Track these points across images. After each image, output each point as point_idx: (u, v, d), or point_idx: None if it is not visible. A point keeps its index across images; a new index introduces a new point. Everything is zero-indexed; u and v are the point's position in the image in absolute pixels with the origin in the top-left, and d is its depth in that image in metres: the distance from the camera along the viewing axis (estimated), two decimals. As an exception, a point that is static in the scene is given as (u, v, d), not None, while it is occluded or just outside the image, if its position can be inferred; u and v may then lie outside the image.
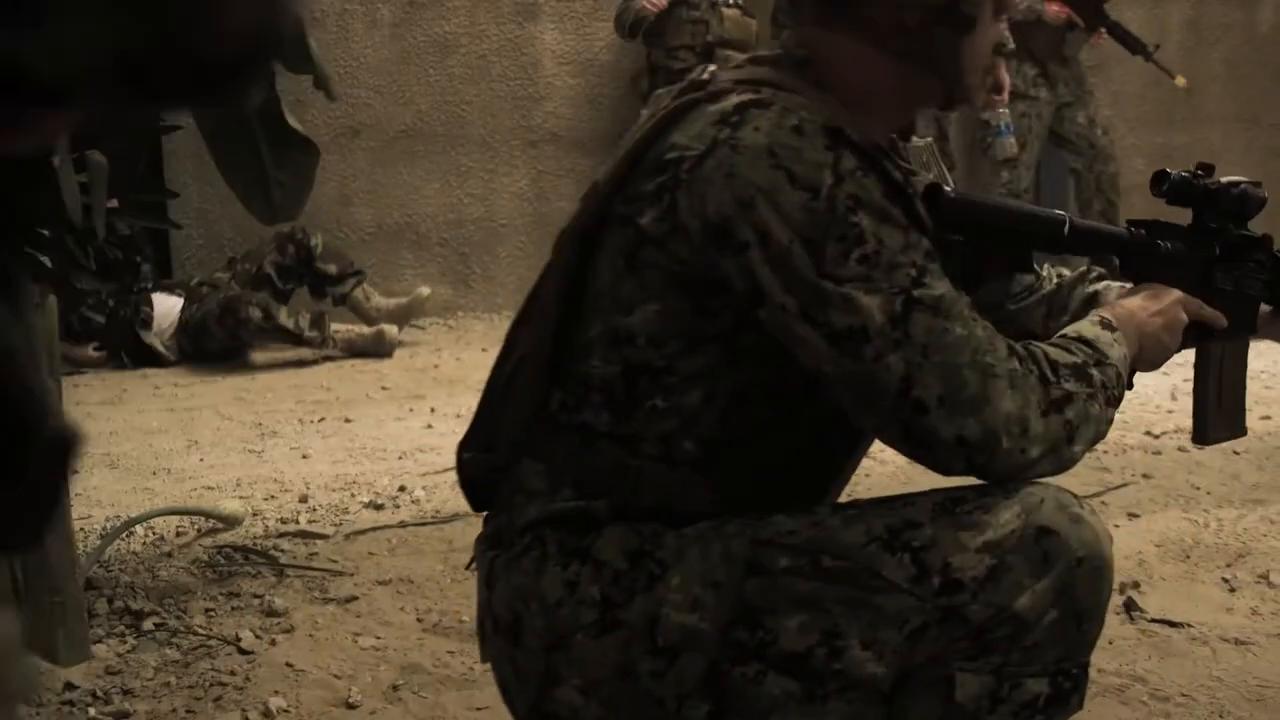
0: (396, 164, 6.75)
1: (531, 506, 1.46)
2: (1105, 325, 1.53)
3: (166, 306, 5.78)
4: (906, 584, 1.35)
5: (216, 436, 4.41)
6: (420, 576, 2.91)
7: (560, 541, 1.43)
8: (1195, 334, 1.69)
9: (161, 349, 5.70)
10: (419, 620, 2.67)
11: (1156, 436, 4.06)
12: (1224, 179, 1.70)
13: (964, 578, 1.35)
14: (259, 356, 5.74)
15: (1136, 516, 3.28)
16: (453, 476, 1.69)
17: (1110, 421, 1.44)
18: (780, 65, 1.47)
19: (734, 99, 1.39)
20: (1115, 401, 1.45)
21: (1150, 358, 1.59)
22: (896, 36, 1.44)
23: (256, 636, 2.57)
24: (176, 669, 2.42)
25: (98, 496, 3.64)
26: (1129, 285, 1.72)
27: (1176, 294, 1.64)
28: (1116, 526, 3.16)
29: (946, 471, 1.37)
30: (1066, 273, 1.86)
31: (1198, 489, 3.52)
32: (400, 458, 4.03)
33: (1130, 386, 1.54)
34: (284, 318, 5.65)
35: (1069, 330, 1.51)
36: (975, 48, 1.47)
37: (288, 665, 2.43)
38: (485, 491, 1.55)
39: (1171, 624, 2.60)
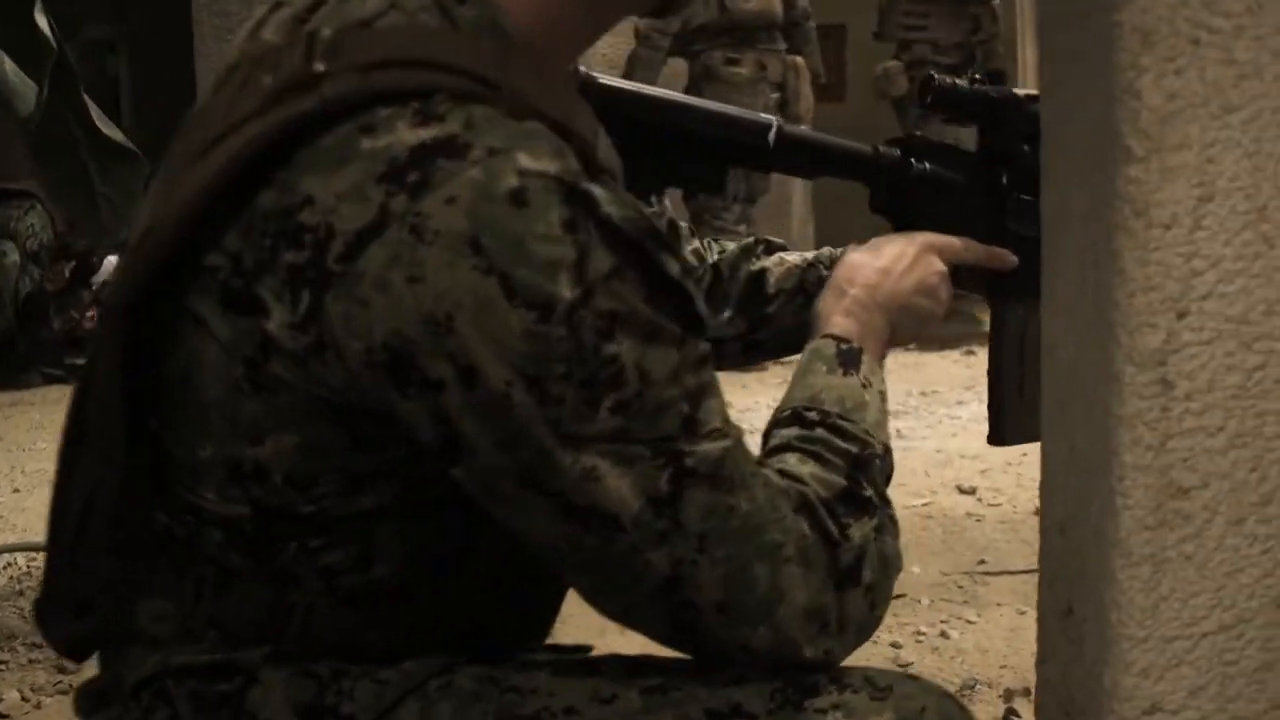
0: None
1: (154, 658, 1.03)
2: (842, 356, 1.14)
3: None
4: None
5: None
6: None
7: (194, 693, 1.01)
8: (975, 284, 1.34)
9: None
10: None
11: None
12: (1019, 89, 1.36)
13: None
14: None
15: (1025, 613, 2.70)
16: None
17: (897, 541, 1.07)
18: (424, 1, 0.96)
19: (402, 130, 0.89)
20: (887, 482, 1.09)
21: (909, 332, 1.24)
22: None
23: (23, 698, 2.37)
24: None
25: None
26: (827, 253, 1.36)
27: (921, 238, 1.26)
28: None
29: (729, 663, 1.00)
30: (730, 246, 1.42)
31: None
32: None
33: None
34: None
35: (802, 397, 1.10)
36: None
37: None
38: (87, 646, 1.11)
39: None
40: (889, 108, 6.82)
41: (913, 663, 2.40)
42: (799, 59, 6.20)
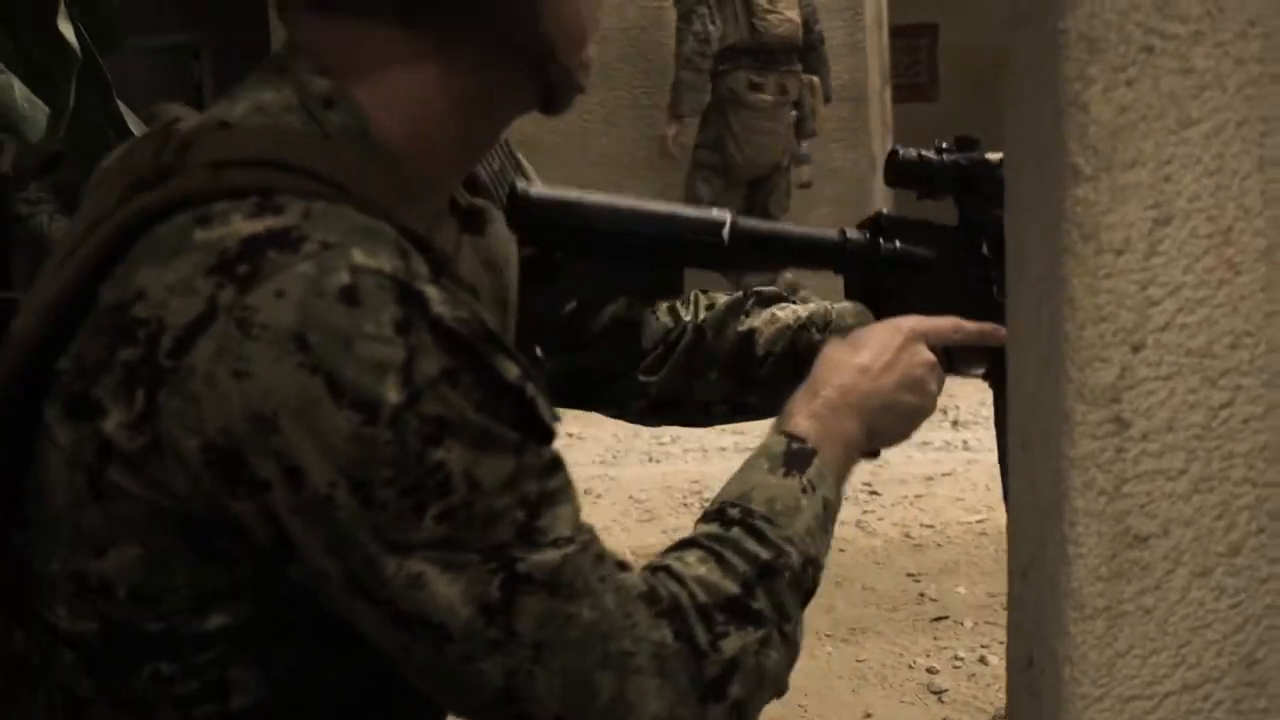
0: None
1: None
2: (790, 456, 1.07)
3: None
4: None
5: None
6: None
7: None
8: (973, 364, 1.26)
9: None
10: None
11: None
12: (991, 154, 1.25)
13: None
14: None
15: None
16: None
17: (793, 661, 1.01)
18: (291, 103, 0.95)
19: (237, 222, 0.87)
20: (803, 604, 1.03)
21: (894, 431, 1.16)
22: (438, 7, 0.94)
23: None
24: None
25: None
26: (833, 310, 1.30)
27: (906, 326, 1.17)
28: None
29: None
30: (720, 299, 1.36)
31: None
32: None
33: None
34: None
35: (733, 494, 1.05)
36: (563, 6, 0.99)
37: None
38: None
39: None
40: (982, 106, 6.68)
41: (947, 689, 2.32)
42: (814, 78, 6.27)
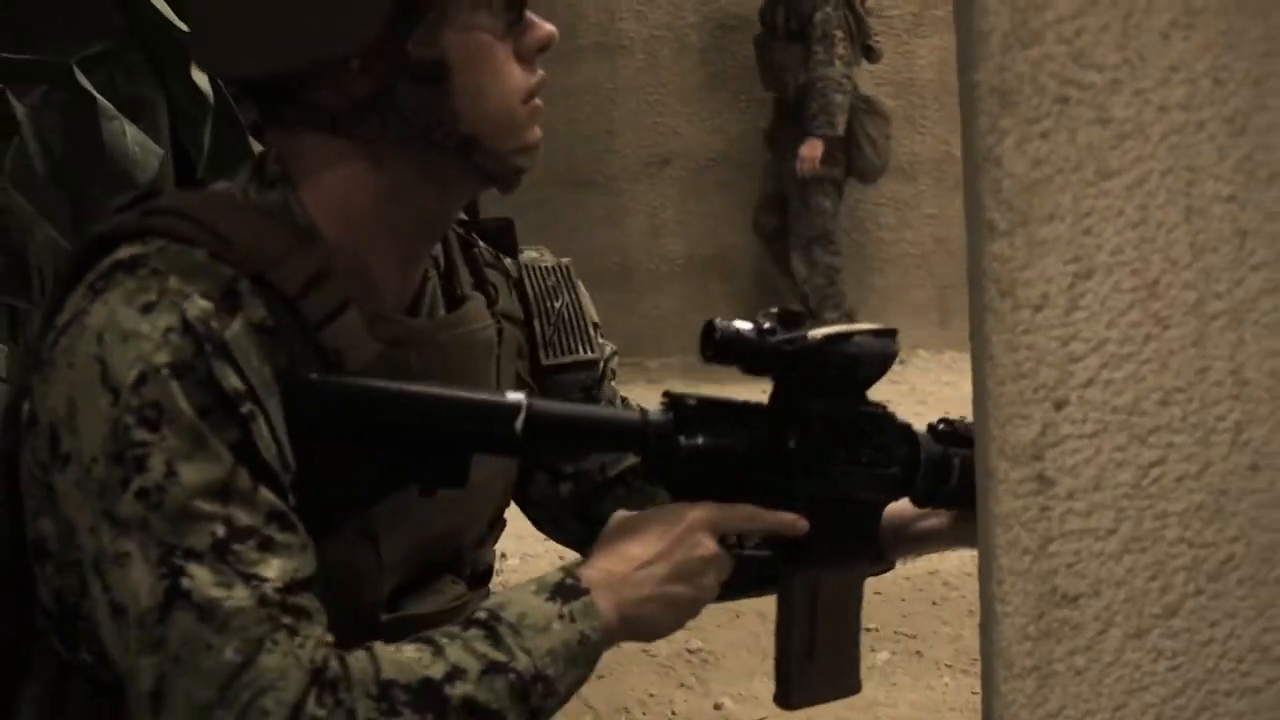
0: (708, 193, 6.70)
1: None
2: (561, 587, 1.08)
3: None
4: None
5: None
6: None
7: None
8: (764, 546, 1.19)
9: None
10: None
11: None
12: (826, 330, 1.17)
13: None
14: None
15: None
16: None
17: None
18: (249, 182, 1.10)
19: (122, 250, 1.03)
20: (532, 714, 1.04)
21: (659, 623, 1.13)
22: (361, 117, 1.07)
23: None
24: None
25: None
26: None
27: (691, 516, 1.13)
28: None
29: None
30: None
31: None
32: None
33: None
34: None
35: (491, 602, 1.07)
36: (479, 102, 1.08)
37: None
38: None
39: None
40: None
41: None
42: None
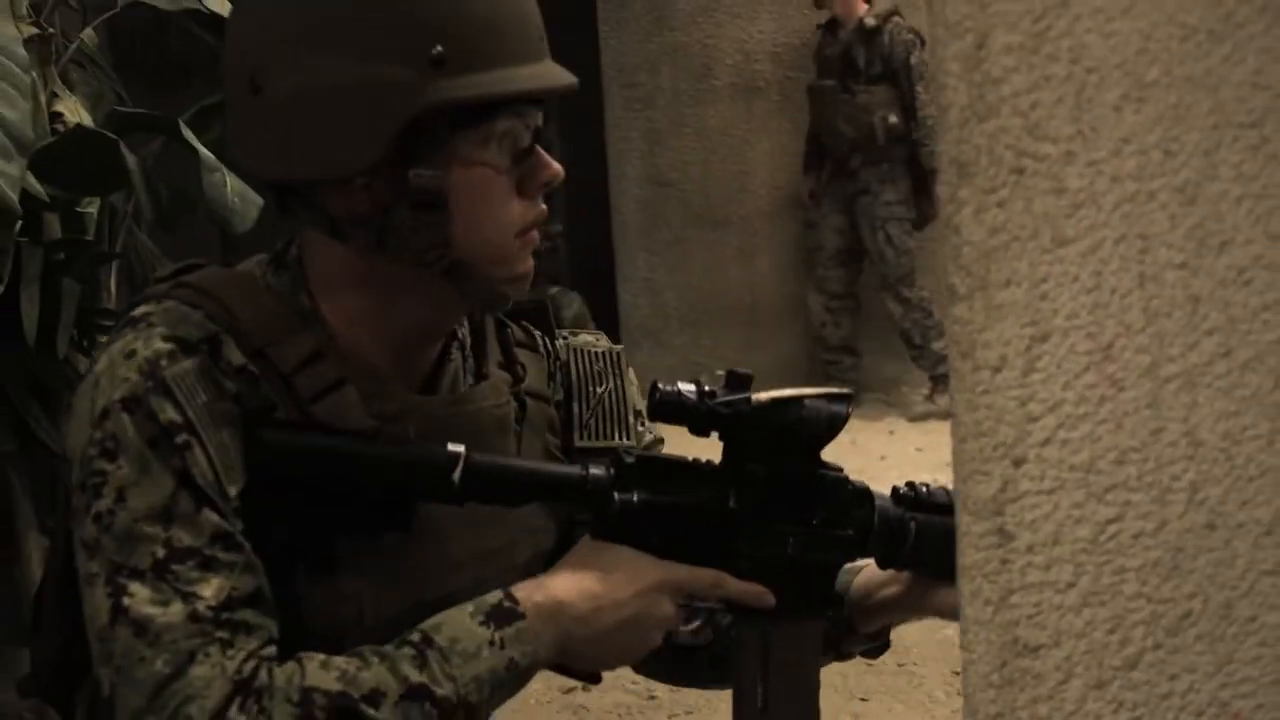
0: None
1: None
2: (496, 610, 1.13)
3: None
4: None
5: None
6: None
7: None
8: (705, 614, 1.24)
9: None
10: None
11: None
12: (773, 394, 1.20)
13: None
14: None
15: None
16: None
17: None
18: (269, 264, 1.22)
19: (139, 309, 1.16)
20: None
21: (594, 663, 1.19)
22: (360, 228, 1.16)
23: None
24: None
25: None
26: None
27: (657, 574, 1.18)
28: None
29: None
30: None
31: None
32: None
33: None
34: None
35: (428, 622, 1.13)
36: (473, 233, 1.16)
37: None
38: None
39: None
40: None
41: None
42: None
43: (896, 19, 6.07)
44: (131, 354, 1.11)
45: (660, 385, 1.19)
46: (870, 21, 6.06)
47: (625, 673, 2.60)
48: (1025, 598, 0.82)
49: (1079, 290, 0.80)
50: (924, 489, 1.30)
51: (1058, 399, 0.81)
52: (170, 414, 1.09)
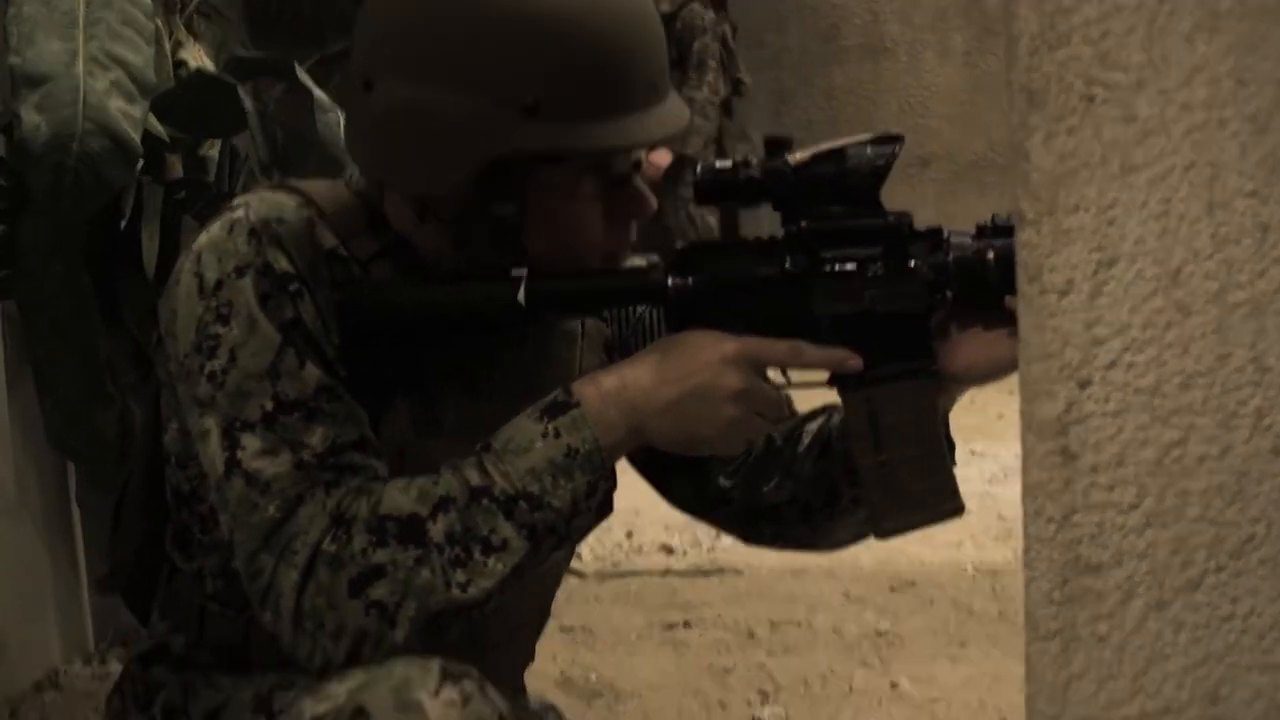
0: (967, 195, 6.68)
1: (142, 640, 1.34)
2: (550, 408, 1.17)
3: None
4: None
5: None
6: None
7: (134, 679, 1.30)
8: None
9: None
10: None
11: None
12: (816, 148, 1.17)
13: None
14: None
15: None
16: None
17: (484, 579, 1.12)
18: (360, 174, 1.29)
19: (235, 200, 1.24)
20: (528, 532, 1.14)
21: (676, 436, 1.18)
22: (443, 223, 1.23)
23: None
24: None
25: None
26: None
27: (727, 348, 1.17)
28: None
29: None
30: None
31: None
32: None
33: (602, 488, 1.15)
34: None
35: (498, 432, 1.18)
36: (550, 248, 1.22)
37: None
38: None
39: None
40: None
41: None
42: None
43: None
44: (235, 227, 1.17)
45: (700, 164, 1.20)
46: None
47: (726, 610, 2.75)
48: (1088, 517, 0.84)
49: (1147, 216, 0.81)
50: (1003, 218, 1.23)
51: (1124, 323, 0.82)
52: (284, 264, 1.17)
